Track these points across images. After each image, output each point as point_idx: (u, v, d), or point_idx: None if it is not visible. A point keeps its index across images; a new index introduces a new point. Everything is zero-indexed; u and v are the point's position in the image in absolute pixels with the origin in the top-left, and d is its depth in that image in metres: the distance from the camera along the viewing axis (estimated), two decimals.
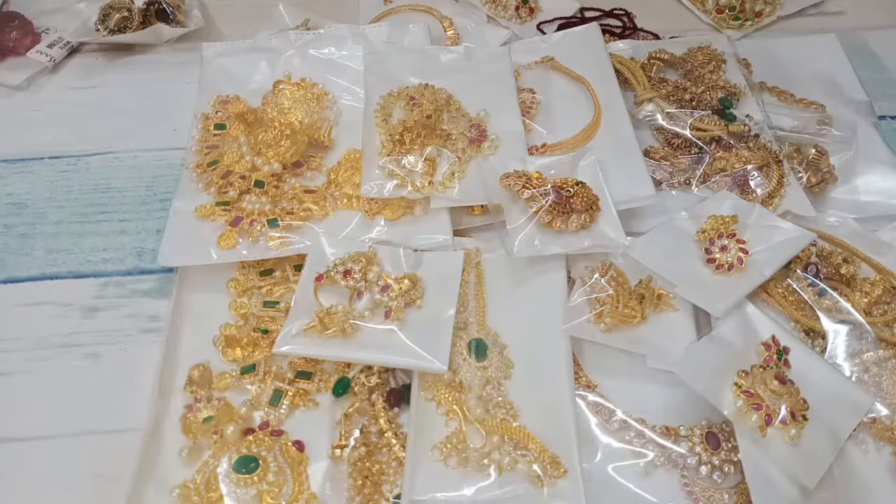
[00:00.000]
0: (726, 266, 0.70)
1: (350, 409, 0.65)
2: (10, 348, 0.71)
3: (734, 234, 0.71)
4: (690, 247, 0.73)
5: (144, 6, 0.99)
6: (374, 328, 0.67)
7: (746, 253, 0.70)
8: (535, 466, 0.60)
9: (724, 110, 0.85)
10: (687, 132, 0.83)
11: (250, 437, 0.62)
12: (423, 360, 0.64)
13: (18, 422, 0.67)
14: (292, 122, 0.83)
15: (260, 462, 0.60)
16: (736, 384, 0.62)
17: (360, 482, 0.61)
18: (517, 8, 1.03)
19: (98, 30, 0.98)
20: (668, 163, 0.82)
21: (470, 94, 0.84)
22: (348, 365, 0.67)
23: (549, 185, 0.72)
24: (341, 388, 0.66)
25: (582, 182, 0.73)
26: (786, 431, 0.60)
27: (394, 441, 0.63)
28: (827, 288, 0.71)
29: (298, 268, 0.73)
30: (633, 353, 0.67)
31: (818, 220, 0.77)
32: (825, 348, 0.68)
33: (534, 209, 0.71)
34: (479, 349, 0.67)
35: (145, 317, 0.73)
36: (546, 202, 0.71)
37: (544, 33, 1.00)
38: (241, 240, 0.74)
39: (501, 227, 0.74)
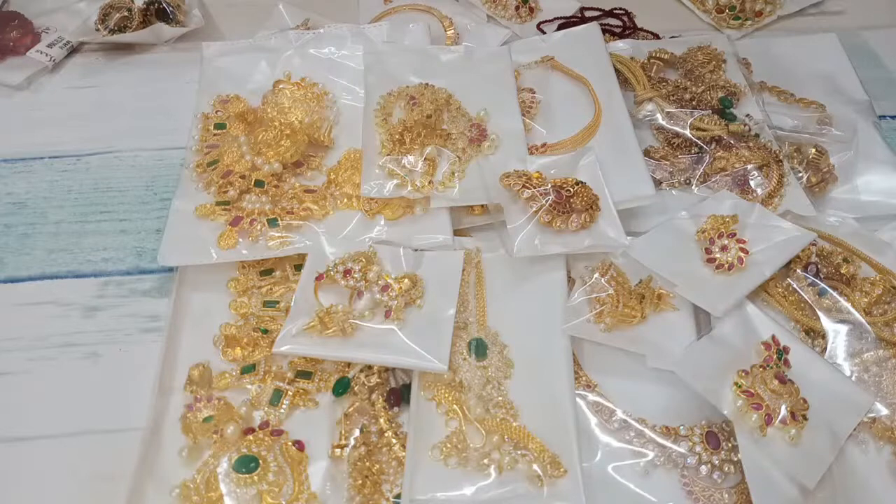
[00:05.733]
0: (726, 266, 0.70)
1: (350, 409, 0.65)
2: (10, 348, 0.71)
3: (734, 234, 0.71)
4: (690, 246, 0.73)
5: (144, 6, 0.99)
6: (374, 328, 0.67)
7: (746, 253, 0.70)
8: (535, 466, 0.60)
9: (724, 110, 0.85)
10: (687, 132, 0.83)
11: (250, 437, 0.62)
12: (423, 360, 0.64)
13: (18, 422, 0.67)
14: (292, 121, 0.83)
15: (260, 462, 0.60)
16: (736, 384, 0.62)
17: (360, 482, 0.61)
18: (517, 8, 1.03)
19: (98, 29, 0.98)
20: (668, 162, 0.82)
21: (470, 94, 0.84)
22: (348, 364, 0.67)
23: (550, 185, 0.72)
24: (341, 387, 0.66)
25: (582, 182, 0.73)
26: (786, 431, 0.60)
27: (394, 441, 0.63)
28: (827, 288, 0.71)
29: (298, 267, 0.73)
30: (633, 352, 0.67)
31: (818, 220, 0.77)
32: (825, 348, 0.68)
33: (534, 209, 0.71)
34: (479, 349, 0.67)
35: (145, 316, 0.73)
36: (546, 202, 0.71)
37: (544, 33, 1.00)
38: (241, 239, 0.74)
39: (501, 226, 0.74)
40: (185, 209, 0.76)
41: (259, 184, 0.77)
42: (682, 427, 0.64)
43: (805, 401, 0.61)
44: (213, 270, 0.74)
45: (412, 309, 0.68)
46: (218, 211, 0.76)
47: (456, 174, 0.76)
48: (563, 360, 0.66)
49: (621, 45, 0.95)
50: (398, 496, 0.60)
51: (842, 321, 0.69)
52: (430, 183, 0.75)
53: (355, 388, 0.66)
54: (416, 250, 0.73)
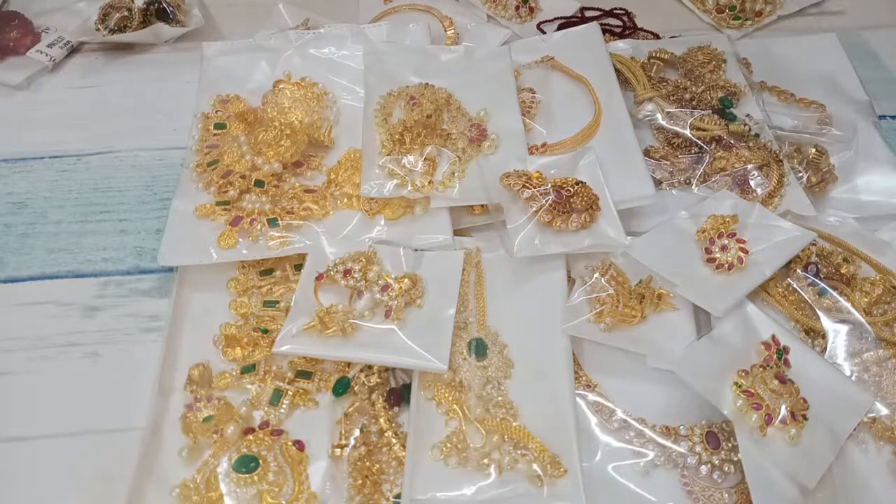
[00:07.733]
0: (726, 265, 0.70)
1: (350, 409, 0.65)
2: (10, 348, 0.71)
3: (734, 234, 0.71)
4: (690, 246, 0.73)
5: (144, 6, 0.99)
6: (374, 328, 0.67)
7: (746, 252, 0.70)
8: (535, 466, 0.60)
9: (724, 110, 0.85)
10: (687, 132, 0.83)
11: (250, 437, 0.62)
12: (423, 360, 0.64)
13: (18, 422, 0.67)
14: (292, 121, 0.83)
15: (260, 462, 0.60)
16: (736, 384, 0.62)
17: (360, 482, 0.61)
18: (517, 7, 1.03)
19: (98, 29, 0.98)
20: (668, 162, 0.82)
21: (470, 94, 0.84)
22: (348, 364, 0.67)
23: (550, 185, 0.72)
24: (341, 387, 0.66)
25: (582, 181, 0.73)
26: (786, 431, 0.60)
27: (394, 441, 0.63)
28: (827, 287, 0.71)
29: (298, 267, 0.73)
30: (633, 352, 0.67)
31: (818, 220, 0.77)
32: (825, 348, 0.68)
33: (534, 209, 0.71)
34: (479, 349, 0.67)
35: (145, 316, 0.73)
36: (546, 202, 0.71)
37: (544, 33, 1.00)
38: (241, 239, 0.74)
39: (501, 226, 0.74)
40: (185, 209, 0.76)
41: (259, 184, 0.77)
42: (682, 427, 0.64)
43: (805, 401, 0.61)
44: (213, 270, 0.74)
45: (412, 309, 0.68)
46: (218, 211, 0.76)
47: (456, 174, 0.76)
48: (563, 360, 0.66)
49: (621, 45, 0.95)
50: (398, 496, 0.60)
51: (842, 321, 0.69)
52: (430, 183, 0.75)
53: (355, 388, 0.66)
54: (416, 250, 0.73)
